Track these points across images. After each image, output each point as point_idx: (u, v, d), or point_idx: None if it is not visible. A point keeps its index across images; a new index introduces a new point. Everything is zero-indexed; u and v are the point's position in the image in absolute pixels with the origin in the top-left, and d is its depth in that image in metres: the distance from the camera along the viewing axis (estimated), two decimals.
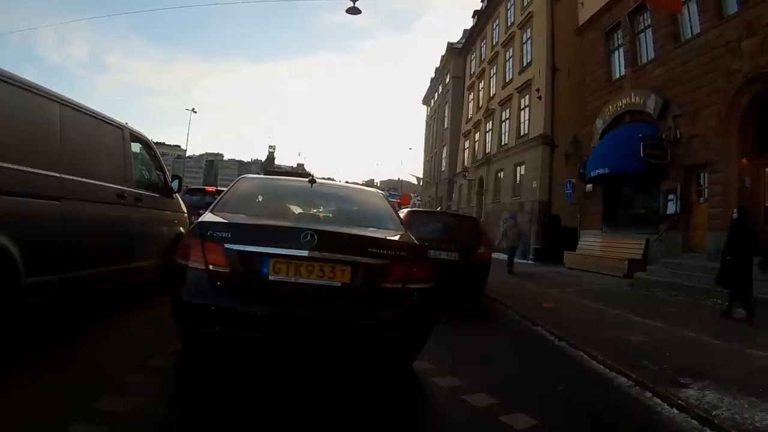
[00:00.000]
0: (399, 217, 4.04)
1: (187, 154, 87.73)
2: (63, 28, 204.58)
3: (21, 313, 3.17)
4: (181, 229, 5.82)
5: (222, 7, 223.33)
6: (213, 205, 3.57)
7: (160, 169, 5.58)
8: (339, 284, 2.86)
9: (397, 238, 3.30)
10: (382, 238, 3.16)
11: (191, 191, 10.42)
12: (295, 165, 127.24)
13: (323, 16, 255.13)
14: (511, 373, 3.94)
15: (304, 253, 2.80)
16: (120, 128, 4.67)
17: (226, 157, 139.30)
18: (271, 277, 2.79)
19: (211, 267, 2.78)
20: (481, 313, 7.07)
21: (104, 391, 2.51)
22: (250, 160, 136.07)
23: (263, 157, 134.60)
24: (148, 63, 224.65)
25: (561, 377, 3.94)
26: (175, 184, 5.70)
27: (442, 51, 39.04)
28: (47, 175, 3.41)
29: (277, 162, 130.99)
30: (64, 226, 3.56)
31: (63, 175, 3.56)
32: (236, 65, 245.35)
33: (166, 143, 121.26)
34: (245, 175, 4.62)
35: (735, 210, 7.23)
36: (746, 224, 6.87)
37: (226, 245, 2.80)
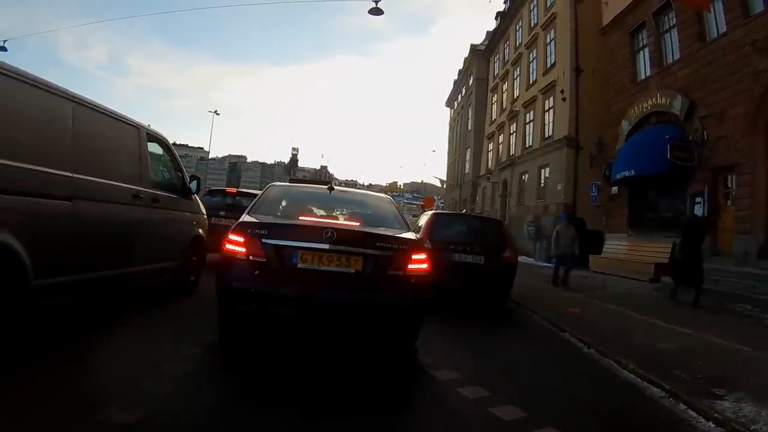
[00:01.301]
0: (403, 218, 4.69)
1: (210, 157, 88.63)
2: (82, 30, 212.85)
3: (30, 315, 3.14)
4: (200, 230, 5.74)
5: (239, 10, 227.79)
6: (249, 208, 4.31)
7: (178, 170, 5.48)
8: (353, 271, 3.55)
9: (400, 234, 3.95)
10: (387, 235, 3.83)
11: (212, 192, 10.23)
12: (318, 167, 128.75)
13: (342, 19, 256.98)
14: (539, 383, 3.76)
15: (326, 246, 3.50)
16: (136, 128, 4.56)
17: (249, 159, 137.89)
18: (299, 265, 3.50)
19: (251, 257, 3.49)
20: (506, 318, 6.90)
21: (112, 401, 2.44)
22: (273, 162, 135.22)
23: (286, 159, 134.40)
24: (168, 65, 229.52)
25: (591, 387, 3.82)
26: (193, 185, 5.58)
27: (463, 53, 38.92)
28: (58, 175, 3.31)
29: (300, 164, 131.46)
30: (75, 227, 3.46)
31: (75, 175, 3.46)
32: (255, 68, 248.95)
33: (189, 145, 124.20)
34: (274, 183, 5.33)
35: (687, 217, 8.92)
36: (698, 225, 8.61)
37: (264, 240, 3.51)
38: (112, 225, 3.95)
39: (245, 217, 3.96)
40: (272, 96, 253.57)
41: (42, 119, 3.31)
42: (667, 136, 11.29)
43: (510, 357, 4.57)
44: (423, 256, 3.75)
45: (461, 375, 3.51)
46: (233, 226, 3.75)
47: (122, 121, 4.37)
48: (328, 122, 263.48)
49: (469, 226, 8.04)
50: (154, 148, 5.00)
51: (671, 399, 3.53)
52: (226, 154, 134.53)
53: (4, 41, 15.50)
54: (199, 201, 5.93)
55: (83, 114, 3.69)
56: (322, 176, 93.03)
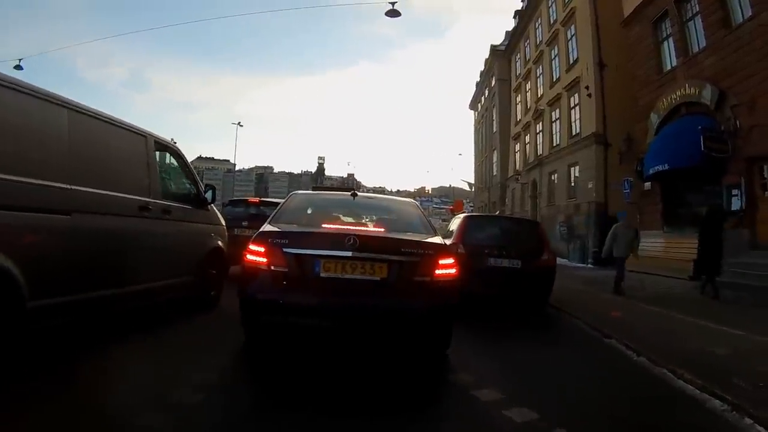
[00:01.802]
0: (430, 222, 4.59)
1: (236, 168, 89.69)
2: (102, 48, 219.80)
3: (26, 338, 2.95)
4: (219, 242, 5.46)
5: (256, 23, 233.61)
6: (270, 217, 4.24)
7: (191, 179, 5.23)
8: (378, 278, 3.47)
9: (425, 239, 3.85)
10: (412, 240, 3.74)
11: (233, 202, 9.84)
12: (345, 176, 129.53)
13: (358, 27, 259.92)
14: (590, 398, 3.42)
15: (349, 253, 3.43)
16: (143, 136, 4.32)
17: (276, 170, 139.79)
18: (322, 275, 3.44)
19: (272, 267, 3.45)
20: (546, 324, 6.52)
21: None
22: (300, 172, 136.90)
23: (313, 169, 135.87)
24: (189, 79, 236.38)
25: (647, 402, 3.52)
26: (209, 195, 5.32)
27: (482, 55, 38.66)
28: (54, 187, 3.11)
29: (327, 173, 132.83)
30: (75, 243, 3.26)
31: (73, 187, 3.25)
32: (276, 78, 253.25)
33: (215, 158, 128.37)
34: (296, 192, 5.27)
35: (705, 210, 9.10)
36: (717, 215, 8.91)
37: (285, 249, 3.47)
38: (116, 240, 3.71)
39: (266, 227, 3.91)
40: (295, 106, 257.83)
41: (34, 128, 3.09)
42: (699, 127, 10.90)
43: (555, 369, 4.18)
44: (450, 261, 3.66)
45: (504, 393, 3.19)
46: (254, 236, 3.70)
47: (126, 129, 4.13)
48: (353, 130, 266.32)
49: (504, 228, 7.64)
50: (164, 157, 4.83)
51: (734, 412, 3.20)
52: (253, 165, 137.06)
53: (20, 60, 15.38)
54: (216, 211, 5.68)
55: (81, 122, 3.49)
56: (349, 184, 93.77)
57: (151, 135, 4.45)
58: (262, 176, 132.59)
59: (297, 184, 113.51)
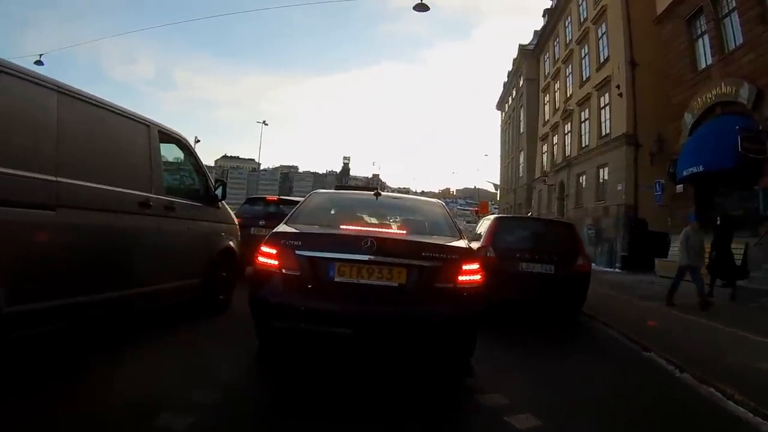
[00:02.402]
0: (456, 224, 4.31)
1: (261, 168, 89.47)
2: (129, 47, 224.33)
3: (3, 348, 2.58)
4: (231, 242, 5.08)
5: (281, 20, 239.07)
6: (287, 217, 4.06)
7: (200, 174, 4.85)
8: (396, 284, 3.24)
9: (450, 243, 3.63)
10: (433, 243, 3.52)
11: (250, 200, 9.43)
12: (370, 176, 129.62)
13: (384, 27, 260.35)
14: (635, 423, 3.09)
15: (365, 257, 3.22)
16: (146, 125, 3.93)
17: (301, 169, 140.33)
18: (336, 279, 3.23)
19: (284, 270, 3.27)
20: (579, 334, 6.08)
21: None
22: (325, 172, 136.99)
23: (338, 168, 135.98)
24: (215, 77, 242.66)
25: (697, 425, 3.23)
26: (219, 191, 4.93)
27: (509, 55, 38.13)
28: (37, 179, 2.79)
29: (352, 173, 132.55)
30: (60, 241, 2.93)
31: (60, 179, 2.92)
32: (301, 77, 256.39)
33: (240, 156, 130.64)
34: (317, 191, 5.08)
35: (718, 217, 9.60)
36: (728, 222, 9.40)
37: (297, 252, 3.29)
38: (111, 239, 3.36)
39: (281, 227, 3.72)
40: (320, 105, 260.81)
41: (16, 112, 2.77)
42: (736, 127, 10.47)
43: (594, 388, 3.72)
44: (475, 266, 3.42)
45: (541, 420, 2.79)
46: (267, 237, 3.52)
47: (126, 117, 3.73)
48: (378, 130, 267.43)
49: (536, 230, 7.20)
50: (170, 149, 4.43)
51: None
52: (278, 164, 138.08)
53: (40, 55, 15.53)
54: (228, 209, 5.31)
55: (73, 107, 3.15)
56: (374, 184, 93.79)
57: (155, 124, 4.07)
58: (287, 176, 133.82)
59: (322, 183, 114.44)
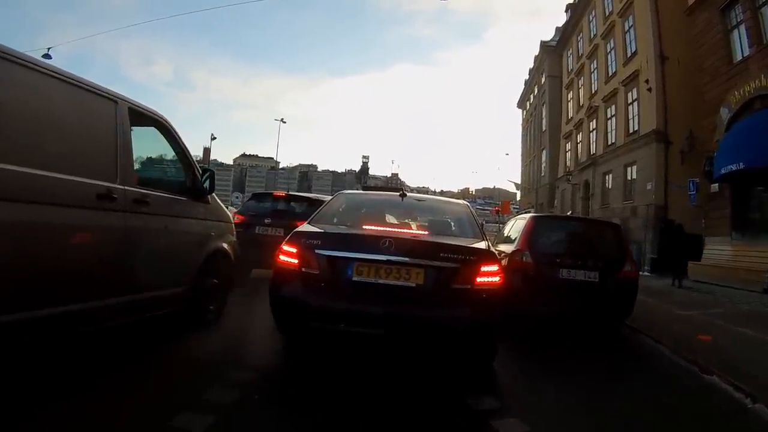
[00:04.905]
0: (480, 226, 4.28)
1: (280, 166, 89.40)
2: (147, 48, 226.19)
3: None
4: (223, 244, 4.37)
5: (296, 24, 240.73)
6: (312, 216, 4.08)
7: (184, 162, 4.04)
8: (414, 285, 3.23)
9: (470, 244, 3.60)
10: (452, 244, 3.51)
11: (256, 196, 8.69)
12: (389, 175, 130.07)
13: (396, 30, 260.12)
14: None
15: (383, 257, 3.24)
16: (112, 100, 3.20)
17: (320, 168, 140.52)
18: (354, 278, 3.24)
19: (303, 269, 3.30)
20: (626, 352, 5.35)
21: None
22: (344, 171, 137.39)
23: (357, 167, 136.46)
24: (232, 79, 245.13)
25: None
26: (206, 183, 4.16)
27: (528, 51, 37.33)
28: None
29: (371, 172, 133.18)
30: None
31: None
32: (317, 79, 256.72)
33: (259, 155, 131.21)
34: (343, 191, 5.10)
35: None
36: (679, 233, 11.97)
37: (317, 251, 3.31)
38: (54, 239, 2.65)
39: (303, 227, 3.79)
40: (338, 106, 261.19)
41: None
42: None
43: (655, 425, 3.12)
44: (494, 267, 3.39)
45: None
46: (289, 236, 3.54)
47: (86, 90, 3.02)
48: (397, 130, 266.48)
49: (578, 232, 6.51)
50: (146, 131, 3.67)
51: None
52: (297, 163, 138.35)
53: (48, 49, 15.47)
54: (220, 204, 4.59)
55: (12, 76, 2.51)
56: (394, 183, 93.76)
57: (126, 100, 3.32)
58: (306, 174, 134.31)
59: (341, 182, 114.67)
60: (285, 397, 2.94)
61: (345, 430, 2.58)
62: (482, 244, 3.67)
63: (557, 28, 33.37)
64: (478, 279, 3.29)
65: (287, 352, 3.84)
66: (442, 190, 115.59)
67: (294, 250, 3.37)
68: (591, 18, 24.00)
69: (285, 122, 42.98)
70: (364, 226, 3.78)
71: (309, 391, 3.03)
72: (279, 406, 2.81)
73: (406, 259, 3.24)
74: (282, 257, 3.42)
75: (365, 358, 3.64)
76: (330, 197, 5.24)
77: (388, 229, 3.87)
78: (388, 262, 3.23)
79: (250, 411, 2.66)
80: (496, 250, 6.24)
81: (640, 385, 3.97)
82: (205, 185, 4.14)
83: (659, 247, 13.92)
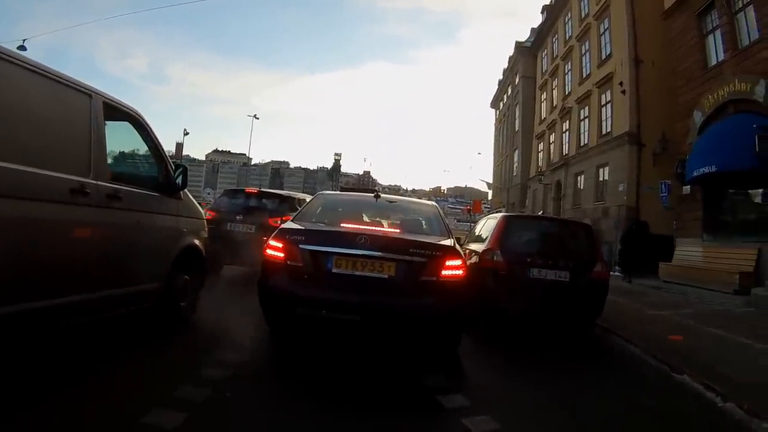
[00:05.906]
0: (447, 225, 4.71)
1: (252, 163, 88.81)
2: (124, 41, 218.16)
3: None
4: (195, 240, 4.35)
5: (272, 20, 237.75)
6: (295, 215, 4.55)
7: (159, 158, 4.04)
8: (386, 276, 3.65)
9: (437, 241, 4.05)
10: (420, 241, 3.88)
11: (228, 192, 8.78)
12: (361, 172, 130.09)
13: (372, 28, 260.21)
14: None
15: (359, 252, 3.64)
16: (86, 94, 3.17)
17: (292, 165, 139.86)
18: (334, 270, 3.65)
19: (288, 262, 3.68)
20: (594, 351, 5.41)
21: None
22: (316, 168, 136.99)
23: (329, 165, 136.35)
24: (208, 74, 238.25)
25: None
26: (179, 179, 4.14)
27: (506, 53, 37.56)
28: None
29: (343, 169, 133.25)
30: None
31: None
32: (292, 76, 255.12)
33: (232, 151, 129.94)
34: (322, 192, 5.62)
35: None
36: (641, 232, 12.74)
37: (300, 246, 3.70)
38: (24, 235, 2.59)
39: (287, 224, 4.22)
40: (311, 103, 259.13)
41: None
42: (754, 126, 9.91)
43: (626, 424, 3.19)
44: (458, 262, 3.78)
45: None
46: (275, 232, 3.91)
47: (60, 83, 2.98)
48: (370, 127, 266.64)
49: (550, 232, 6.54)
50: (119, 126, 3.67)
51: None
52: (269, 160, 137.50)
53: (24, 40, 15.26)
54: (192, 200, 4.55)
55: None
56: (365, 181, 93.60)
57: (100, 94, 3.28)
58: (278, 171, 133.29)
59: (312, 179, 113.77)
60: (257, 394, 2.98)
61: (315, 429, 2.58)
62: (448, 242, 4.08)
63: (532, 29, 33.65)
64: (443, 272, 3.69)
65: (260, 350, 3.98)
66: (413, 189, 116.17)
67: (280, 245, 3.74)
68: (567, 20, 24.23)
69: (258, 118, 42.01)
70: (342, 224, 4.12)
71: (281, 388, 3.13)
72: (251, 403, 2.81)
73: (380, 253, 3.63)
74: (269, 251, 3.77)
75: (340, 359, 3.77)
76: (302, 194, 5.95)
77: (363, 226, 4.25)
78: (363, 256, 3.63)
79: (222, 408, 2.66)
80: (467, 248, 6.35)
81: (611, 385, 4.11)
82: (177, 181, 4.12)
83: (621, 244, 13.94)
